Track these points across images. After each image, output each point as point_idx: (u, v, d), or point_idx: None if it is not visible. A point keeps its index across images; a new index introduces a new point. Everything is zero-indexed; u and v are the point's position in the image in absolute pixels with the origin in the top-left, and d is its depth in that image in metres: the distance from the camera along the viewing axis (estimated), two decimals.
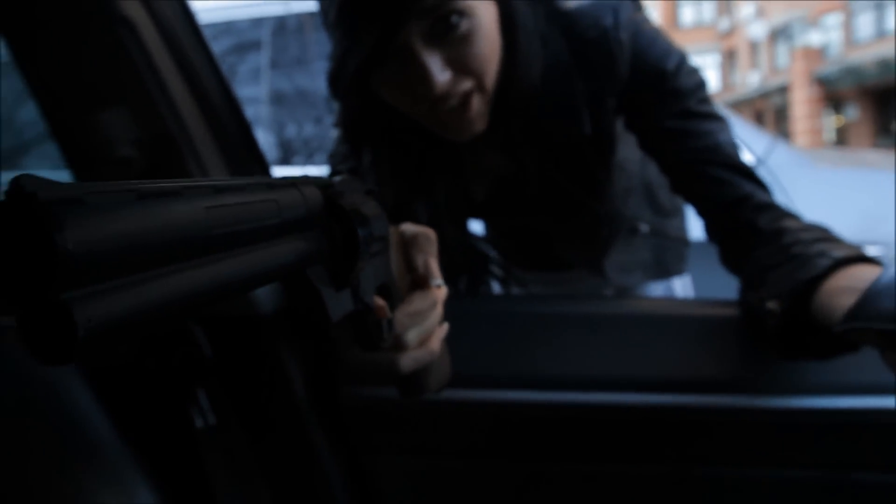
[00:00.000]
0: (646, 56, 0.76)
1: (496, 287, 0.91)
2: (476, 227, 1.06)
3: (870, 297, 0.51)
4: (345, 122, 0.81)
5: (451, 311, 0.58)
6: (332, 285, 0.37)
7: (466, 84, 0.68)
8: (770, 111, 22.55)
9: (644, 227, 1.05)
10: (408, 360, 0.50)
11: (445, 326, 0.55)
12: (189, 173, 0.71)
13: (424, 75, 0.65)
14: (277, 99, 2.55)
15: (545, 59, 0.75)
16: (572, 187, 0.84)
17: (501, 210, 0.95)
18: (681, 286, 1.23)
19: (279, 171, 2.60)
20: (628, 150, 0.94)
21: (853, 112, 18.88)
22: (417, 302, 0.50)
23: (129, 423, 0.66)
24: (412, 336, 0.50)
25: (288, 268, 0.31)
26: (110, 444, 0.64)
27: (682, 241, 1.14)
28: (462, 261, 0.85)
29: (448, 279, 0.85)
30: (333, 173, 0.92)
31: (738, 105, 23.91)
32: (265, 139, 2.55)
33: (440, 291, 0.52)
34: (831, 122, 19.83)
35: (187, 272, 0.23)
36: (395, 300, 0.48)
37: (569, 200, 0.86)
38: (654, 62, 0.76)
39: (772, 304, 0.64)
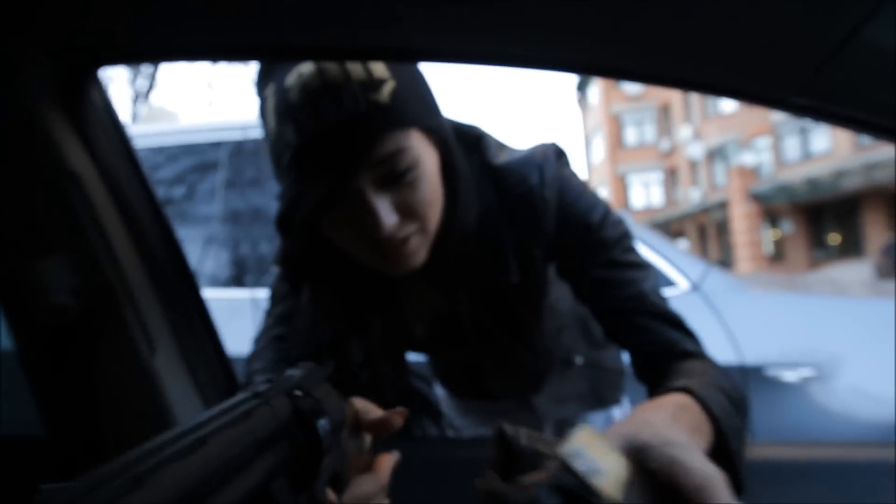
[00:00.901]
0: (572, 210, 0.80)
1: (431, 428, 0.92)
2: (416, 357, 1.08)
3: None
4: (286, 261, 0.83)
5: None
6: (291, 495, 0.37)
7: (411, 226, 0.71)
8: (712, 225, 23.68)
9: (579, 360, 1.08)
10: None
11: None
12: (125, 319, 0.72)
13: (374, 218, 0.67)
14: (233, 218, 2.59)
15: (479, 208, 0.79)
16: (500, 329, 0.87)
17: (437, 345, 0.97)
18: (619, 415, 1.25)
19: (230, 293, 2.57)
20: (561, 290, 0.98)
21: (788, 226, 19.99)
22: (364, 485, 0.51)
23: None
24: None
25: (259, 487, 0.31)
26: None
27: (618, 371, 1.17)
28: (395, 401, 0.86)
29: None
30: (272, 307, 0.93)
31: (682, 220, 25.08)
32: (220, 257, 2.56)
33: (385, 469, 0.53)
34: (769, 235, 20.89)
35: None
36: (343, 485, 0.48)
37: (499, 340, 0.89)
38: (579, 216, 0.80)
39: None
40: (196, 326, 0.78)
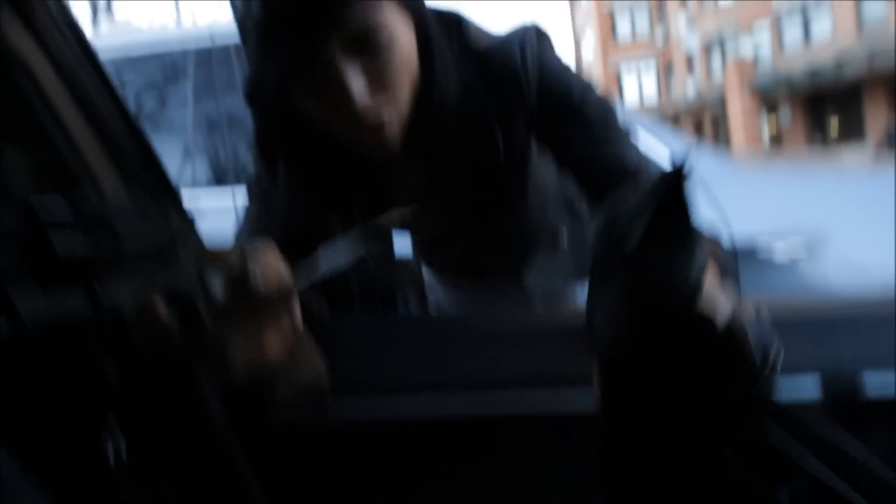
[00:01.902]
0: (553, 89, 0.79)
1: (416, 307, 0.92)
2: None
3: None
4: (259, 136, 0.81)
5: (367, 327, 0.58)
6: (39, 289, 0.37)
7: (383, 103, 0.69)
8: (709, 120, 23.37)
9: (564, 234, 1.08)
10: (243, 367, 0.50)
11: (288, 330, 0.54)
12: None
13: (343, 85, 0.65)
14: (209, 125, 2.58)
15: (461, 89, 0.78)
16: (487, 203, 0.86)
17: (421, 223, 0.96)
18: None
19: (211, 192, 2.58)
20: (545, 164, 0.96)
21: (787, 118, 19.73)
22: (239, 311, 0.50)
23: (36, 461, 0.64)
24: (240, 343, 0.50)
25: None
26: (15, 484, 0.62)
27: None
28: (377, 279, 0.86)
29: (364, 297, 0.86)
30: (249, 200, 0.91)
31: (678, 115, 24.69)
32: (199, 166, 2.57)
33: (280, 301, 0.52)
34: (767, 128, 20.66)
35: None
36: (200, 307, 0.48)
37: (485, 216, 0.88)
38: (561, 93, 0.79)
39: None
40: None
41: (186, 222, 0.50)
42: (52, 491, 0.63)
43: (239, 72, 2.49)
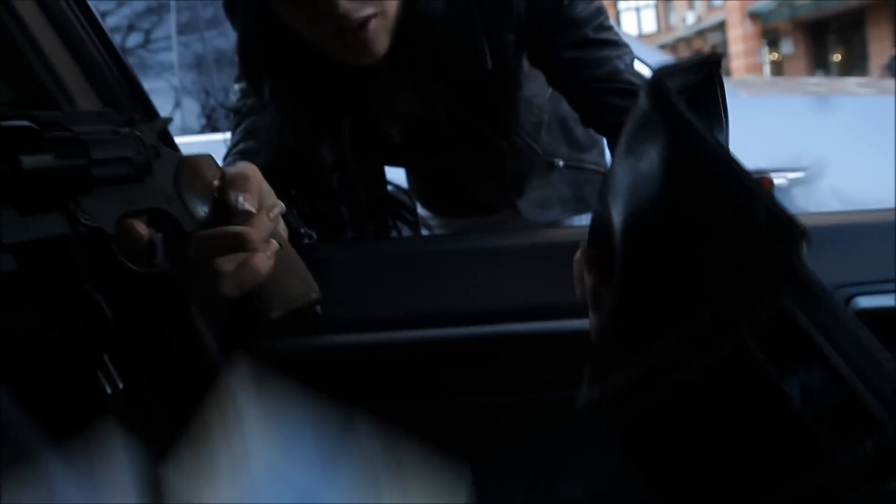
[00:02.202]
0: None
1: (406, 231, 0.92)
2: (397, 174, 1.06)
3: None
4: (242, 50, 0.79)
5: (357, 254, 0.57)
6: (14, 211, 0.38)
7: (367, 7, 0.67)
8: (708, 49, 22.82)
9: (560, 163, 1.06)
10: (228, 285, 0.50)
11: (273, 246, 0.53)
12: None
13: None
14: (196, 64, 2.47)
15: None
16: (478, 123, 0.84)
17: (414, 152, 0.94)
18: None
19: (205, 138, 2.50)
20: (536, 85, 0.94)
21: (788, 47, 19.25)
22: (218, 229, 0.50)
23: (34, 398, 0.64)
24: (223, 262, 0.50)
25: None
26: (15, 421, 0.63)
27: (600, 173, 1.15)
28: (369, 206, 0.84)
29: (355, 225, 0.85)
30: (236, 125, 0.89)
31: (676, 45, 24.12)
32: (190, 106, 2.47)
33: (263, 218, 0.51)
34: (768, 57, 20.20)
35: None
36: (181, 227, 0.49)
37: (475, 138, 0.86)
38: None
39: None
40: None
41: (164, 140, 0.49)
42: (48, 422, 0.64)
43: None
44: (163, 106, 2.44)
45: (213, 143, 2.41)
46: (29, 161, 0.37)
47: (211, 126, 2.46)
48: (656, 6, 26.70)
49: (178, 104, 2.49)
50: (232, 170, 0.52)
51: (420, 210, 1.16)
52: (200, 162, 0.52)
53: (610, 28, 0.80)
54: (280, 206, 0.54)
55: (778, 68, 20.05)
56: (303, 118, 0.80)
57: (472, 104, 0.83)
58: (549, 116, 1.02)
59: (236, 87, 0.91)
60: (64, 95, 0.67)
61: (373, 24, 0.68)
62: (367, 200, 0.84)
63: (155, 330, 0.70)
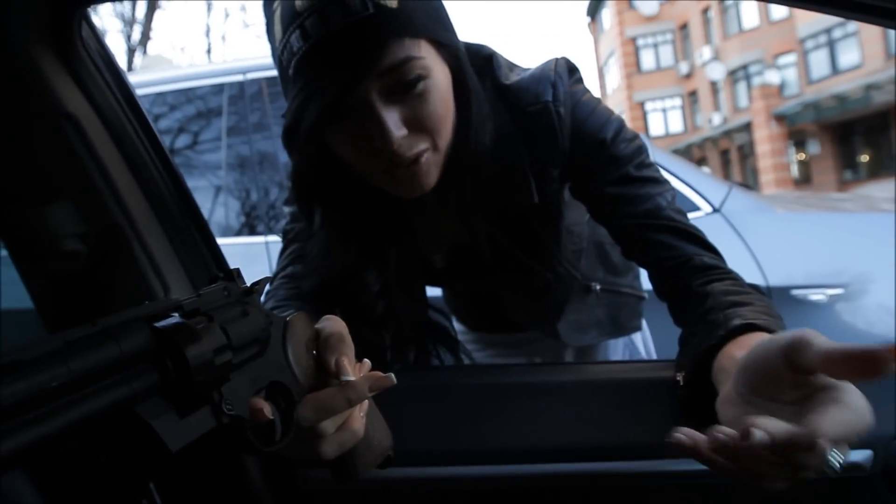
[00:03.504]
0: (585, 127, 0.79)
1: (448, 359, 0.92)
2: (432, 291, 1.07)
3: (740, 368, 0.53)
4: (296, 179, 0.82)
5: (400, 384, 0.58)
6: (173, 413, 0.37)
7: (421, 143, 0.69)
8: (735, 150, 23.16)
9: (596, 286, 1.07)
10: (330, 446, 0.51)
11: (366, 405, 0.55)
12: (137, 261, 0.72)
13: (382, 130, 0.66)
14: (240, 164, 2.57)
15: (493, 129, 0.77)
16: (521, 254, 0.86)
17: (456, 275, 0.96)
18: (641, 341, 1.24)
19: (244, 240, 2.56)
20: (577, 213, 0.96)
21: (815, 147, 19.45)
22: (324, 394, 0.51)
23: None
24: (327, 425, 0.50)
25: (108, 411, 0.32)
26: None
27: (637, 297, 1.16)
28: (411, 332, 0.85)
29: (397, 351, 0.86)
30: (284, 247, 0.92)
31: (704, 145, 24.52)
32: (231, 205, 2.56)
33: (355, 384, 0.52)
34: (795, 157, 20.39)
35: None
36: (293, 395, 0.49)
37: (519, 267, 0.88)
38: (593, 132, 0.79)
39: (679, 375, 0.65)
40: (209, 265, 0.78)
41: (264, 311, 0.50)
42: None
43: (271, 110, 2.52)
44: (204, 203, 2.53)
45: (253, 246, 2.46)
46: (194, 361, 0.37)
47: (249, 227, 2.53)
48: (682, 107, 27.39)
49: (217, 195, 2.58)
50: (326, 329, 0.54)
51: (456, 326, 1.18)
52: (299, 322, 0.53)
53: (651, 165, 0.82)
54: (368, 362, 0.55)
55: (805, 168, 20.19)
56: (351, 246, 0.82)
57: (516, 235, 0.85)
58: (587, 241, 1.04)
59: (286, 209, 0.95)
60: (132, 229, 0.71)
61: (425, 159, 0.70)
62: (409, 326, 0.85)
63: (201, 462, 0.70)
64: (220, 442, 0.69)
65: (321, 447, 0.50)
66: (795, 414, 0.47)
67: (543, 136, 0.78)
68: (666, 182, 0.82)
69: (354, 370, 0.52)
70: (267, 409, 0.45)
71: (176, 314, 0.38)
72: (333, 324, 0.55)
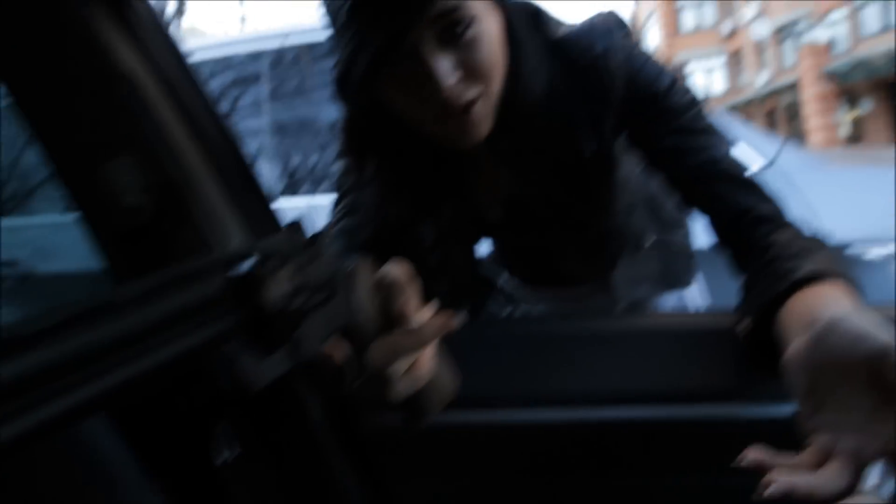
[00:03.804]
0: (639, 77, 0.78)
1: (502, 309, 0.92)
2: (482, 246, 1.07)
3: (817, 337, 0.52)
4: (348, 129, 0.82)
5: (457, 335, 0.58)
6: (253, 355, 0.38)
7: (473, 89, 0.69)
8: (781, 110, 22.41)
9: (649, 241, 1.05)
10: (399, 389, 0.51)
11: (433, 349, 0.55)
12: (196, 216, 0.73)
13: (433, 76, 0.66)
14: (280, 130, 2.60)
15: (545, 81, 0.77)
16: (576, 206, 0.85)
17: (511, 229, 0.96)
18: (694, 295, 1.23)
19: (286, 202, 2.61)
20: (630, 167, 0.95)
21: (867, 105, 18.69)
22: (393, 338, 0.51)
23: (155, 459, 0.67)
24: (397, 367, 0.51)
25: (190, 355, 0.32)
26: (134, 482, 0.66)
27: (688, 252, 1.14)
28: (465, 284, 0.86)
29: (451, 303, 0.86)
30: (338, 201, 0.93)
31: (748, 106, 23.77)
32: (270, 170, 2.59)
33: (418, 330, 0.52)
34: (845, 116, 19.63)
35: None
36: (362, 339, 0.49)
37: (573, 219, 0.87)
38: (646, 84, 0.78)
39: (743, 324, 0.64)
40: (264, 220, 0.79)
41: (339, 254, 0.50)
42: (166, 486, 0.67)
43: (310, 75, 2.52)
44: None
45: (293, 211, 2.51)
46: (270, 304, 0.37)
47: (290, 189, 2.57)
48: (726, 68, 26.53)
49: (258, 160, 2.62)
50: (391, 274, 0.54)
51: (508, 280, 1.17)
52: (364, 269, 0.53)
53: (706, 116, 0.80)
54: (432, 307, 0.55)
55: (856, 128, 19.44)
56: (404, 197, 0.83)
57: (570, 187, 0.84)
58: (639, 195, 1.03)
59: (338, 164, 0.96)
60: (190, 184, 0.72)
61: (477, 107, 0.70)
62: (463, 278, 0.86)
63: (269, 400, 0.72)
64: (287, 386, 0.71)
65: (390, 390, 0.50)
66: (867, 414, 0.48)
67: (597, 88, 0.77)
68: (722, 133, 0.80)
69: (421, 314, 0.53)
70: (339, 352, 0.46)
71: (250, 259, 0.38)
72: (398, 269, 0.55)
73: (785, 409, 0.66)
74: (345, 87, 0.70)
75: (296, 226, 0.47)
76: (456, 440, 0.73)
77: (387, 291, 0.53)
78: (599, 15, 0.80)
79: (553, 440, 0.72)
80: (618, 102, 0.77)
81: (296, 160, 2.62)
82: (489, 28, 0.68)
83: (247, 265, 0.38)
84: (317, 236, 0.48)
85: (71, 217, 0.77)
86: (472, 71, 0.68)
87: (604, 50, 0.76)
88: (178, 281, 0.34)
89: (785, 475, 0.46)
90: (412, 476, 0.76)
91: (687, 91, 0.79)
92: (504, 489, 0.76)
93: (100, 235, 0.76)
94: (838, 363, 0.50)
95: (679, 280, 1.14)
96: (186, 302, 0.33)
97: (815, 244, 0.68)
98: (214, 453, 0.68)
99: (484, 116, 0.71)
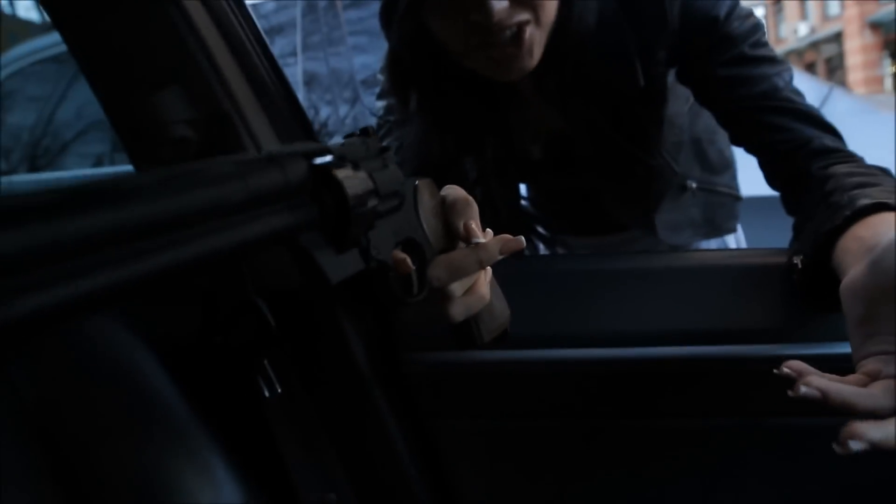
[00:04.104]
0: (696, 4, 0.75)
1: (542, 249, 0.92)
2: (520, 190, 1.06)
3: (875, 260, 0.49)
4: (392, 62, 0.80)
5: (497, 272, 0.58)
6: (331, 249, 0.38)
7: (523, 15, 0.67)
8: (822, 62, 21.59)
9: (693, 184, 1.03)
10: (458, 308, 0.51)
11: (490, 272, 0.55)
12: (244, 147, 0.73)
13: (482, 1, 0.63)
14: (310, 80, 2.57)
15: (597, 9, 0.74)
16: (624, 142, 0.83)
17: (553, 169, 0.94)
18: (734, 244, 1.21)
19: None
20: (677, 104, 0.92)
21: None
22: (455, 255, 0.51)
23: (200, 396, 0.69)
24: (456, 286, 0.50)
25: (271, 238, 0.32)
26: (182, 417, 0.68)
27: (733, 197, 1.11)
28: (508, 222, 0.85)
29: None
30: (381, 138, 0.92)
31: (787, 57, 22.94)
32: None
33: (485, 245, 0.52)
34: (891, 68, 18.85)
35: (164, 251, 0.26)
36: (425, 254, 0.49)
37: (620, 156, 0.86)
38: (704, 9, 0.75)
39: (797, 258, 0.62)
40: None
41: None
42: (213, 422, 0.68)
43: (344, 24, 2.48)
44: None
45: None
46: (352, 199, 0.38)
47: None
48: (765, 17, 25.53)
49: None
50: (452, 194, 0.54)
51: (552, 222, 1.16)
52: (427, 186, 0.53)
53: (766, 44, 0.77)
54: (490, 231, 0.55)
55: None
56: (447, 133, 0.81)
57: (618, 122, 0.82)
58: (686, 134, 1.00)
59: (379, 103, 0.95)
60: (239, 116, 0.72)
61: (526, 35, 0.67)
62: (506, 215, 0.85)
63: (311, 339, 0.73)
64: (325, 324, 0.72)
65: (450, 308, 0.50)
66: None
67: (651, 15, 0.74)
68: (783, 61, 0.77)
69: (483, 234, 0.52)
70: (407, 260, 0.46)
71: (327, 156, 0.38)
72: (459, 191, 0.55)
73: (837, 350, 0.65)
74: (391, 15, 0.68)
75: (368, 131, 0.47)
76: (495, 378, 0.74)
77: (451, 209, 0.53)
78: None
79: (592, 380, 0.72)
80: (673, 30, 0.75)
81: (326, 111, 2.59)
82: None
83: (327, 158, 0.38)
84: (386, 146, 0.48)
85: (101, 173, 0.77)
86: None
87: None
88: (260, 163, 0.34)
89: (819, 381, 0.44)
90: (454, 415, 0.77)
91: (747, 17, 0.76)
92: (543, 429, 0.76)
93: (145, 167, 0.77)
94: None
95: (721, 226, 1.12)
96: (271, 183, 0.33)
97: (878, 175, 0.65)
98: (258, 390, 0.69)
99: (534, 45, 0.69)
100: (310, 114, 2.62)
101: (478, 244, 0.51)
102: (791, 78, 0.76)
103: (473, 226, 0.51)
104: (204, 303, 0.74)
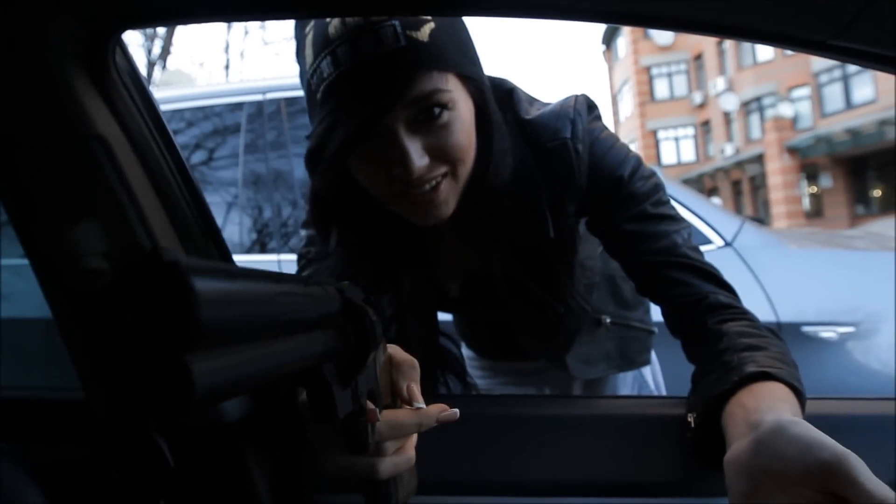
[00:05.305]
0: (603, 164, 0.80)
1: (455, 387, 0.93)
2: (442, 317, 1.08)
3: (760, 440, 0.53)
4: (315, 199, 0.82)
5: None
6: (339, 383, 0.39)
7: (441, 169, 0.70)
8: (747, 181, 23.13)
9: (607, 320, 1.07)
10: (387, 466, 0.51)
11: (415, 437, 0.57)
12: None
13: (404, 158, 0.67)
14: (255, 182, 2.60)
15: (513, 163, 0.78)
16: (535, 288, 0.87)
17: (470, 304, 0.97)
18: (650, 375, 1.24)
19: (256, 258, 2.59)
20: (590, 247, 0.97)
21: (828, 181, 19.40)
22: (400, 414, 0.52)
23: None
24: (390, 445, 0.52)
25: (312, 360, 0.34)
26: None
27: (646, 331, 1.16)
28: (422, 358, 0.86)
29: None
30: (300, 270, 0.94)
31: (715, 175, 24.50)
32: (244, 222, 2.58)
33: (427, 410, 0.54)
34: (807, 190, 20.33)
35: (276, 346, 0.27)
36: (378, 404, 0.50)
37: (532, 300, 0.89)
38: (610, 169, 0.80)
39: (690, 416, 0.66)
40: None
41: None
42: None
43: (288, 129, 2.54)
44: (216, 219, 2.55)
45: (264, 264, 2.48)
46: (373, 334, 0.39)
47: (260, 244, 2.55)
48: (695, 137, 27.42)
49: (230, 211, 2.61)
50: (398, 356, 0.56)
51: (465, 352, 1.18)
52: (383, 342, 0.54)
53: (667, 203, 0.83)
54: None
55: (817, 202, 20.12)
56: (365, 268, 0.83)
57: (530, 267, 0.86)
58: (599, 275, 1.05)
59: (303, 233, 0.96)
60: (148, 235, 0.72)
61: (443, 187, 0.71)
62: (420, 352, 0.86)
63: (212, 481, 0.70)
64: (230, 465, 0.70)
65: (379, 466, 0.51)
66: None
67: (561, 172, 0.79)
68: (682, 220, 0.83)
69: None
70: (377, 412, 0.47)
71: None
72: (403, 352, 0.56)
73: None
74: (316, 161, 0.71)
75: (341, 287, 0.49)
76: None
77: (397, 369, 0.54)
78: (570, 97, 0.82)
79: None
80: (581, 187, 0.80)
81: (268, 214, 2.60)
82: (463, 112, 0.70)
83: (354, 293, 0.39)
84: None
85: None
86: (442, 154, 0.69)
87: (570, 134, 0.78)
88: (300, 287, 0.34)
89: None
90: None
91: (649, 177, 0.82)
92: None
93: (56, 296, 0.75)
94: (785, 469, 0.49)
95: (635, 360, 1.16)
96: (306, 311, 0.33)
97: (767, 338, 0.70)
98: None
99: (450, 196, 0.73)
100: (253, 213, 2.63)
101: (420, 408, 0.52)
102: (690, 235, 0.81)
103: (416, 390, 0.53)
104: (104, 436, 0.71)
